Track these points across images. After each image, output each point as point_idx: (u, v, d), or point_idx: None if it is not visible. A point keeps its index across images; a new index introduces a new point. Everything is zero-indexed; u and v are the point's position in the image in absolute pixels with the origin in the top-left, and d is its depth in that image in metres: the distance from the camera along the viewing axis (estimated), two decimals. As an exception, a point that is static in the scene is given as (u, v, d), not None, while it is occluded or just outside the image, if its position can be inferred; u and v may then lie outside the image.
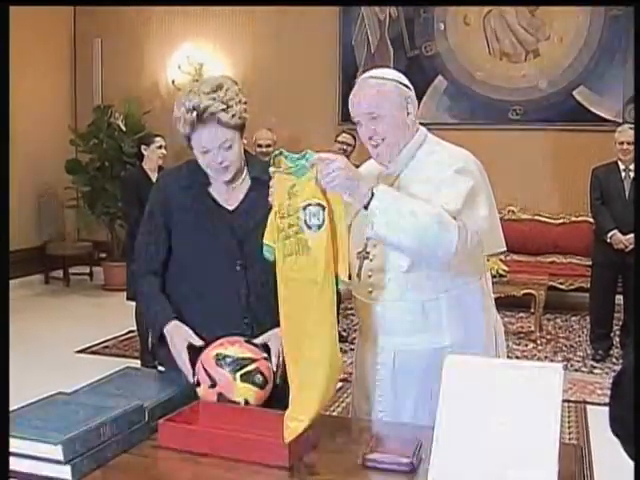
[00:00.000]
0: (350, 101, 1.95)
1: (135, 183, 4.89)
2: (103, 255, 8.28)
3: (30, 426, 1.55)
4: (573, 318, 6.74)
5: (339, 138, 5.76)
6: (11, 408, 1.56)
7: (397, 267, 1.88)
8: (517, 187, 7.21)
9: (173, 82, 8.19)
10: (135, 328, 5.14)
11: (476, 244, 1.86)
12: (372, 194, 1.70)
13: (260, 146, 5.49)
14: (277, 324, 1.72)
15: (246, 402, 1.76)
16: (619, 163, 5.35)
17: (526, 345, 5.85)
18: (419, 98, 2.09)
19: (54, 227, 8.30)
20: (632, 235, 5.07)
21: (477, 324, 1.97)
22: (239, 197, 2.05)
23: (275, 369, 1.84)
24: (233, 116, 1.91)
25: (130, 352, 5.50)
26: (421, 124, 2.02)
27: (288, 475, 1.51)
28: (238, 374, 1.75)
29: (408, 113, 1.94)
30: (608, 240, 5.26)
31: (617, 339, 5.58)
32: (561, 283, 6.71)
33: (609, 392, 1.08)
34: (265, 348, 1.88)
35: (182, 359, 1.88)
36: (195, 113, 1.88)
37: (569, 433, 4.06)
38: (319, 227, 1.63)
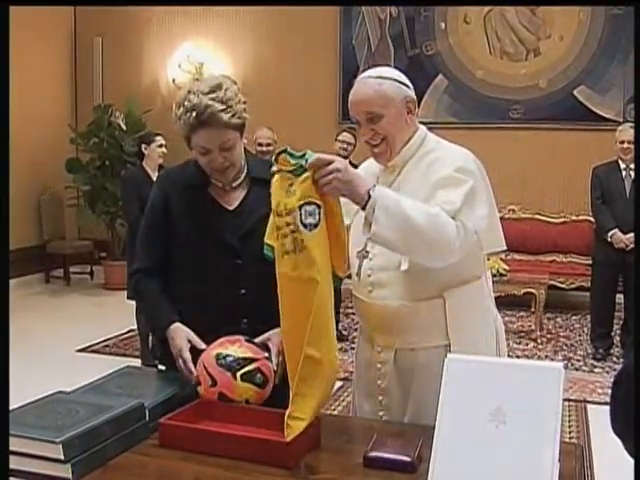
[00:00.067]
0: (349, 101, 1.94)
1: (135, 182, 4.89)
2: (103, 254, 8.29)
3: (30, 425, 1.55)
4: (574, 317, 6.74)
5: (339, 137, 5.75)
6: (11, 407, 1.56)
7: (397, 266, 1.87)
8: (517, 186, 7.21)
9: (174, 81, 8.20)
10: (135, 327, 5.15)
11: (475, 243, 1.86)
12: (369, 196, 1.69)
13: (260, 145, 5.48)
14: (277, 323, 1.72)
15: (246, 402, 1.76)
16: (620, 162, 5.35)
17: (527, 344, 5.85)
18: (420, 97, 2.09)
19: (54, 226, 8.31)
20: (632, 234, 5.08)
21: (477, 323, 1.97)
22: (239, 197, 2.05)
23: (275, 368, 1.84)
24: (233, 116, 1.90)
25: (130, 351, 5.51)
26: (422, 123, 2.02)
27: (289, 474, 1.51)
28: (239, 374, 1.74)
29: (407, 112, 1.93)
30: (609, 239, 5.27)
31: (618, 338, 5.58)
32: (562, 282, 6.72)
33: (610, 391, 1.08)
34: (266, 347, 1.88)
35: (183, 359, 1.88)
36: (194, 113, 1.87)
37: (569, 432, 4.07)
38: (315, 226, 1.63)
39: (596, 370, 5.19)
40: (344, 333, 5.91)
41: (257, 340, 1.89)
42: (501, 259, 5.88)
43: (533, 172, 7.27)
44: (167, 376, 1.98)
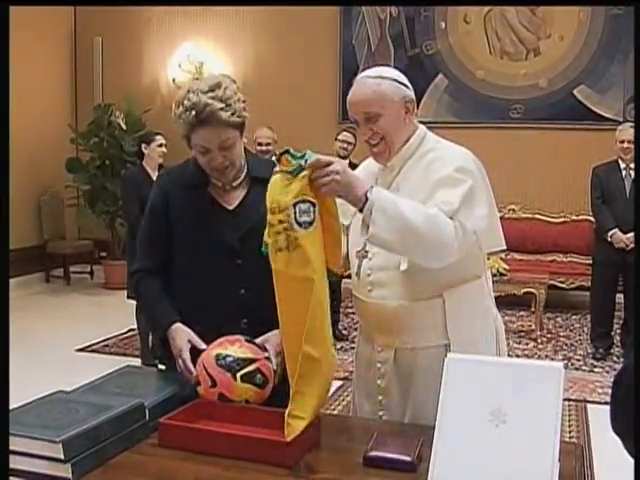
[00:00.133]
0: (347, 101, 1.94)
1: (135, 182, 4.90)
2: (103, 254, 8.30)
3: (30, 424, 1.55)
4: (574, 317, 6.74)
5: (339, 137, 5.75)
6: (11, 407, 1.56)
7: (396, 266, 1.87)
8: (517, 186, 7.22)
9: (174, 80, 8.20)
10: (135, 327, 5.15)
11: (474, 243, 1.85)
12: (366, 198, 1.68)
13: (260, 144, 5.48)
14: (277, 323, 1.72)
15: (246, 402, 1.76)
16: (620, 162, 5.35)
17: (527, 344, 5.85)
18: (420, 97, 2.09)
19: (54, 226, 8.31)
20: (632, 234, 5.08)
21: (477, 323, 1.97)
22: (239, 197, 2.05)
23: (275, 368, 1.83)
24: (232, 114, 1.90)
25: (130, 351, 5.51)
26: (422, 123, 2.02)
27: (289, 474, 1.50)
28: (238, 375, 1.74)
29: (406, 112, 1.93)
30: (609, 239, 5.27)
31: (618, 338, 5.59)
32: (562, 282, 6.72)
33: (610, 391, 1.08)
34: (265, 348, 1.87)
35: (183, 359, 1.88)
36: (194, 112, 1.87)
37: (569, 432, 4.07)
38: (310, 224, 1.63)
39: (596, 370, 5.19)
40: (344, 333, 5.91)
41: (257, 341, 1.88)
42: (501, 259, 5.88)
43: (533, 172, 7.27)
44: (167, 376, 1.98)
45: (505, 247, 2.09)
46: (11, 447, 1.48)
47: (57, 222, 8.36)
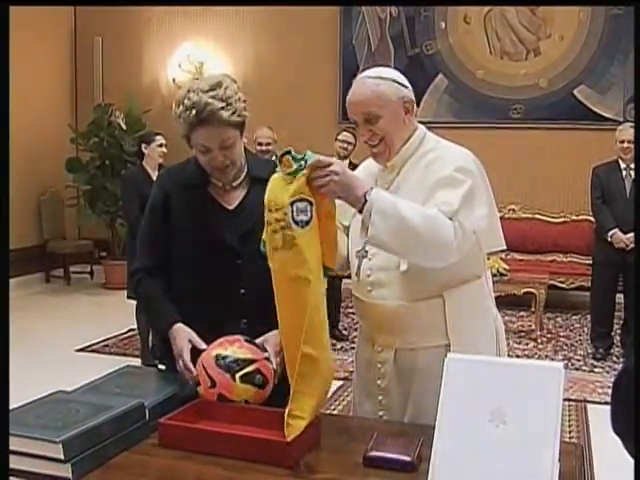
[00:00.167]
0: (347, 101, 1.94)
1: (135, 181, 4.89)
2: (104, 254, 8.30)
3: (30, 425, 1.55)
4: (574, 317, 6.74)
5: (339, 137, 5.75)
6: (11, 407, 1.56)
7: (396, 266, 1.87)
8: (517, 185, 7.22)
9: (174, 80, 8.20)
10: (135, 327, 5.15)
11: (474, 243, 1.85)
12: (366, 200, 1.67)
13: (260, 144, 5.49)
14: (277, 323, 1.72)
15: (246, 402, 1.76)
16: (620, 162, 5.35)
17: (527, 344, 5.85)
18: (420, 97, 2.10)
19: (55, 225, 8.31)
20: (633, 234, 5.08)
21: (477, 323, 1.97)
22: (239, 196, 2.05)
23: (275, 368, 1.83)
24: (233, 114, 1.90)
25: (130, 351, 5.51)
26: (422, 123, 2.02)
27: (289, 474, 1.50)
28: (238, 375, 1.74)
29: (405, 112, 1.93)
30: (609, 239, 5.27)
31: (618, 338, 5.58)
32: (562, 282, 6.72)
33: (610, 391, 1.08)
34: (265, 348, 1.87)
35: (183, 359, 1.88)
36: (194, 111, 1.87)
37: (570, 432, 4.07)
38: (307, 223, 1.63)
39: (596, 370, 5.19)
40: (344, 333, 5.91)
41: (257, 341, 1.88)
42: (501, 259, 5.88)
43: (533, 172, 7.27)
44: (167, 376, 1.98)
45: (505, 247, 2.09)
46: (11, 447, 1.48)
47: (57, 222, 8.37)
